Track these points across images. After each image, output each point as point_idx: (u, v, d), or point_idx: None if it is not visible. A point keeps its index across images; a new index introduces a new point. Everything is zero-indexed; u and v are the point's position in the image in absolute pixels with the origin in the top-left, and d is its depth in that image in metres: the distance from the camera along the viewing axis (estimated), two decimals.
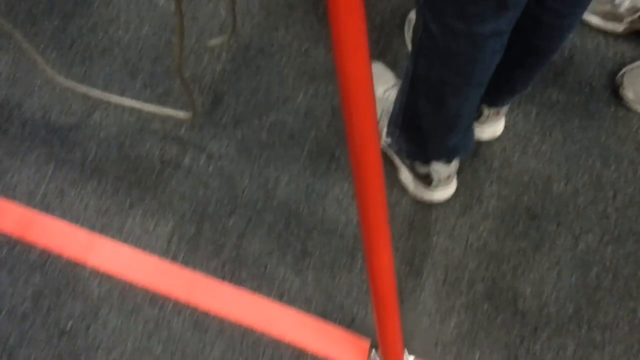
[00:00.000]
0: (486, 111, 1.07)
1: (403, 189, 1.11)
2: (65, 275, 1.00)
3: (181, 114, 1.06)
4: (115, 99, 1.04)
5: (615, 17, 1.23)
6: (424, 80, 0.80)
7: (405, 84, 0.86)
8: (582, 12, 0.80)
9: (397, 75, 1.17)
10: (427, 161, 1.00)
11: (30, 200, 1.07)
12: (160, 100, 1.17)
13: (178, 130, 1.14)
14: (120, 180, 1.09)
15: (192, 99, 0.96)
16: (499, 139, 1.15)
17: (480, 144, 1.14)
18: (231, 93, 1.18)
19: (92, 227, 1.05)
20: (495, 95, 1.00)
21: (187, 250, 1.04)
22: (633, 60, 1.21)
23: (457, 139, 0.94)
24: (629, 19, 1.22)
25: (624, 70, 1.19)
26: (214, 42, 0.89)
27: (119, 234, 1.05)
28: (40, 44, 1.19)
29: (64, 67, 1.18)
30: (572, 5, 0.78)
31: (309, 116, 1.17)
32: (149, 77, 1.18)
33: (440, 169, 1.01)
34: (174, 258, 1.03)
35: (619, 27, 1.24)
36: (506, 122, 1.16)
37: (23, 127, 1.13)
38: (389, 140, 1.05)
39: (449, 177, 1.04)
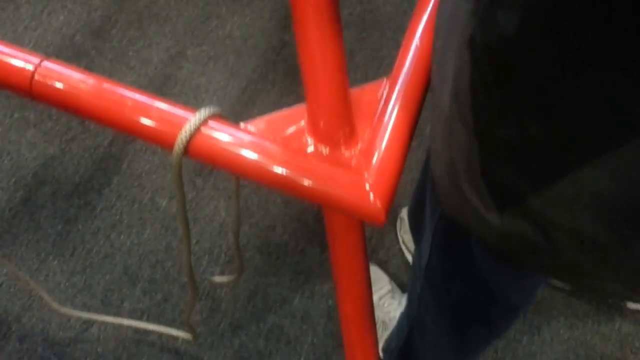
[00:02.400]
0: None
1: None
2: None
3: (181, 334, 1.08)
4: (114, 319, 1.06)
5: None
6: (418, 345, 0.85)
7: (402, 335, 0.90)
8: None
9: (391, 277, 1.22)
10: None
11: None
12: (160, 308, 1.19)
13: (175, 341, 1.15)
14: None
15: (194, 332, 0.98)
16: None
17: None
18: (229, 298, 1.21)
19: None
20: None
21: None
22: None
23: None
24: None
25: None
26: (219, 279, 0.93)
27: None
28: (41, 252, 1.22)
29: (65, 275, 1.20)
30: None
31: (306, 319, 1.19)
32: (148, 283, 1.20)
33: None
34: None
35: None
36: None
37: (21, 343, 1.13)
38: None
39: None
